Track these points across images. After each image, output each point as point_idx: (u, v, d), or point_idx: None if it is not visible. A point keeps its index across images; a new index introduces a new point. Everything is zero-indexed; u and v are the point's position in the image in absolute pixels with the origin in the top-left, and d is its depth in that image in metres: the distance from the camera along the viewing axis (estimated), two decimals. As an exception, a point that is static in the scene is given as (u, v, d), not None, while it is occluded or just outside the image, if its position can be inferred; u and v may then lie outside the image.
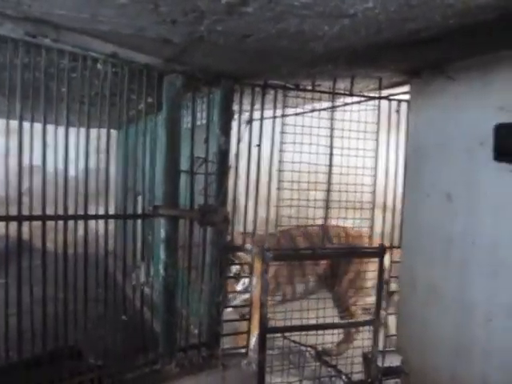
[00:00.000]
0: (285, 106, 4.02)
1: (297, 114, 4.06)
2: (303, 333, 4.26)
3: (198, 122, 4.14)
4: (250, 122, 4.09)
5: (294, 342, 4.84)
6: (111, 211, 3.77)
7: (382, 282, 4.19)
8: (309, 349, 4.99)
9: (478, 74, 3.45)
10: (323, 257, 4.03)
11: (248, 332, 4.22)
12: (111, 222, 3.70)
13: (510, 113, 3.20)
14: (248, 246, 4.00)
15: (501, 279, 3.27)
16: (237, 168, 4.03)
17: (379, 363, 4.31)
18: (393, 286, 4.60)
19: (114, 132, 4.70)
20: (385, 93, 4.48)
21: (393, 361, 4.32)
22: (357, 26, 2.51)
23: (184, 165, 3.86)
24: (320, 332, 4.15)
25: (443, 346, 3.71)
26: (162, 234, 3.71)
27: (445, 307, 3.71)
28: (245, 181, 4.14)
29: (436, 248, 3.79)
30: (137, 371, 3.71)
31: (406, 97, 4.29)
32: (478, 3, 2.25)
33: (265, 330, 3.95)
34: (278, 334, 4.50)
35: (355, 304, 4.81)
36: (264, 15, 2.42)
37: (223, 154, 3.89)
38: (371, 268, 4.37)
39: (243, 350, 4.24)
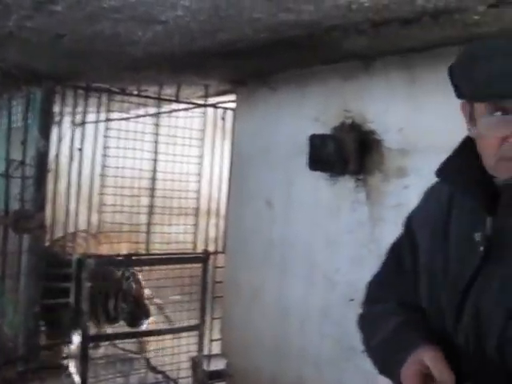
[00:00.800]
0: (109, 110, 3.94)
1: (121, 119, 4.00)
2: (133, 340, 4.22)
3: (18, 124, 3.94)
4: (73, 125, 3.96)
5: (122, 349, 4.74)
6: None
7: (206, 287, 4.25)
8: (137, 356, 4.92)
9: (296, 86, 3.63)
10: (146, 263, 3.99)
11: (69, 342, 4.07)
12: None
13: (323, 124, 3.41)
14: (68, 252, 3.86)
15: (314, 282, 3.45)
16: (57, 172, 3.88)
17: (205, 367, 4.36)
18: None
19: None
20: (214, 100, 4.57)
21: (218, 364, 4.40)
22: (170, 32, 2.53)
23: (-1, 168, 3.65)
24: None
25: (264, 348, 3.83)
26: (-28, 241, 3.47)
27: (265, 310, 3.83)
28: (66, 185, 4.00)
29: (258, 253, 3.91)
30: None
31: (233, 105, 4.40)
32: (284, 20, 2.36)
33: (86, 338, 3.83)
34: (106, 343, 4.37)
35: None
36: (75, 15, 2.35)
37: (42, 157, 3.72)
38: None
39: (65, 362, 4.07)
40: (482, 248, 1.17)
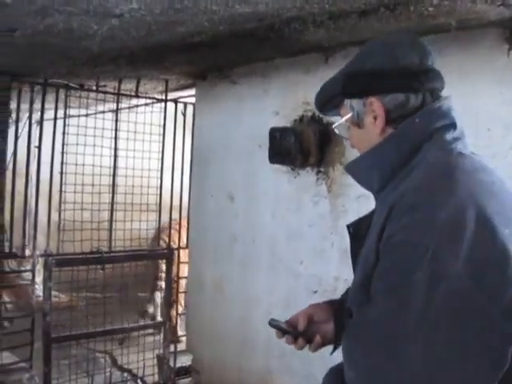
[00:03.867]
0: (67, 107, 3.87)
1: (80, 116, 3.94)
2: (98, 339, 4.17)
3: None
4: (29, 122, 3.88)
5: (87, 348, 4.67)
6: None
7: (170, 284, 4.23)
8: (103, 354, 4.87)
9: (258, 79, 3.62)
10: (110, 261, 3.94)
11: (31, 343, 4.00)
12: None
13: (283, 117, 3.41)
14: (28, 252, 3.79)
15: (278, 274, 3.47)
16: (14, 170, 3.80)
17: (171, 364, 4.34)
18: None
19: None
20: (175, 95, 4.53)
21: (185, 360, 4.39)
22: (126, 26, 2.48)
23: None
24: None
25: (230, 341, 3.83)
26: None
27: (230, 303, 3.84)
28: (24, 183, 3.92)
29: (221, 247, 3.91)
30: None
31: (193, 99, 4.37)
32: (241, 12, 2.34)
33: (48, 339, 3.77)
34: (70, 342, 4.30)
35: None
36: (26, 8, 2.29)
37: (-1, 155, 3.65)
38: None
39: (25, 364, 3.99)
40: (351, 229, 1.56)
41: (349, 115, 1.44)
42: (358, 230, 1.51)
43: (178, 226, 4.69)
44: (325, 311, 1.58)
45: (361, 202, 2.88)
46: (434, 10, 2.18)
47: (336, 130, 1.57)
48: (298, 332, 1.51)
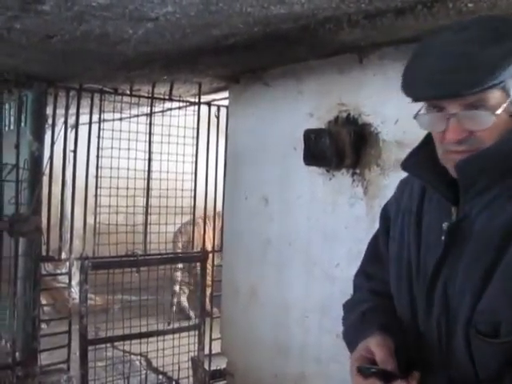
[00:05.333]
0: (102, 111, 3.91)
1: (114, 120, 3.97)
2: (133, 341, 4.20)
3: (11, 127, 3.91)
4: (65, 127, 3.93)
5: (123, 351, 4.71)
6: None
7: (204, 286, 4.24)
8: (138, 357, 4.91)
9: (292, 81, 3.60)
10: (145, 263, 3.97)
11: (69, 345, 4.04)
12: None
13: (317, 119, 3.39)
14: (65, 255, 3.84)
15: (313, 277, 3.43)
16: (51, 174, 3.85)
17: (206, 367, 4.35)
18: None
19: None
20: (208, 98, 4.54)
21: (219, 363, 4.39)
22: (161, 29, 2.49)
23: (-8, 172, 3.62)
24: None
25: (265, 345, 3.81)
26: (-33, 246, 3.44)
27: (265, 308, 3.82)
28: (60, 188, 3.97)
29: (255, 251, 3.89)
30: None
31: (227, 102, 4.38)
32: (276, 13, 2.33)
33: (85, 342, 3.81)
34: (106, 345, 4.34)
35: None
36: (64, 15, 2.32)
37: (36, 160, 3.69)
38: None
39: (63, 366, 4.04)
40: (443, 237, 1.21)
41: (509, 101, 1.12)
42: (455, 237, 1.22)
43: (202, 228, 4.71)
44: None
45: (397, 203, 2.84)
46: (474, 6, 2.13)
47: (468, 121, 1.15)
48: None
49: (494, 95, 1.10)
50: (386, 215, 1.47)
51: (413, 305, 1.30)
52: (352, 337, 1.38)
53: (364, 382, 1.21)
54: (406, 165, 1.33)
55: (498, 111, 1.11)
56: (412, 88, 1.16)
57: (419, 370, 1.20)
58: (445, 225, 1.22)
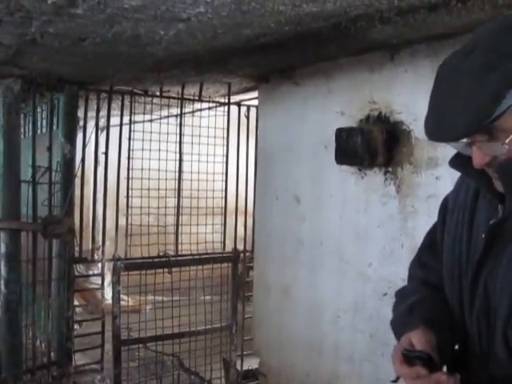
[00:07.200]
0: (132, 113, 3.93)
1: (145, 121, 3.99)
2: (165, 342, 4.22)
3: (43, 130, 3.95)
4: (96, 129, 3.97)
5: (155, 351, 4.73)
6: None
7: (237, 287, 4.23)
8: (170, 357, 4.93)
9: (322, 79, 3.58)
10: (177, 264, 3.98)
11: (102, 346, 4.08)
12: None
13: (348, 117, 3.36)
14: (97, 256, 3.87)
15: (346, 276, 3.41)
16: (83, 176, 3.89)
17: (238, 367, 4.35)
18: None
19: None
20: (237, 98, 4.54)
21: (251, 363, 4.38)
22: (192, 30, 2.50)
23: (26, 174, 3.66)
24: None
25: (297, 345, 3.80)
26: (2, 248, 3.48)
27: (297, 307, 3.81)
28: (92, 189, 4.01)
29: (287, 250, 3.88)
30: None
31: (256, 102, 4.37)
32: (308, 12, 2.32)
33: (118, 342, 3.84)
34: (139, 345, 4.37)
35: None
36: (96, 18, 2.34)
37: (68, 162, 3.73)
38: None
39: (97, 366, 4.08)
40: (483, 235, 1.22)
41: None
42: (495, 235, 1.21)
43: None
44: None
45: (430, 202, 2.81)
46: None
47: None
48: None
49: (506, 120, 1.07)
50: (444, 206, 1.47)
51: (460, 300, 1.31)
52: (398, 329, 1.40)
53: (408, 369, 1.22)
54: (454, 162, 1.30)
55: None
56: (425, 130, 1.18)
57: (462, 366, 1.25)
58: (492, 222, 1.22)
